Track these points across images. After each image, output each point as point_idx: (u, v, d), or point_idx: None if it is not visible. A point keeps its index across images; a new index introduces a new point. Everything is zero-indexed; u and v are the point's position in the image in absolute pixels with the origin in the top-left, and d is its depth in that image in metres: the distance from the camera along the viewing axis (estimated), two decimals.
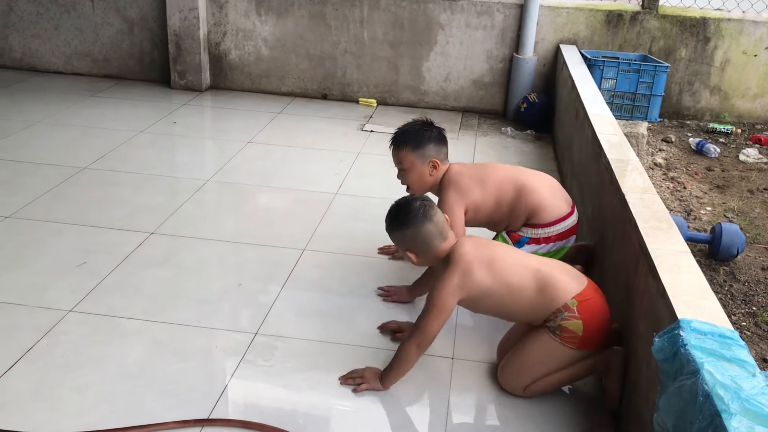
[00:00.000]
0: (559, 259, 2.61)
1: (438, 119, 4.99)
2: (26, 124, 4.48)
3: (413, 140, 2.66)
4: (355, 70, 5.25)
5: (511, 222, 2.68)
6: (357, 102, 5.31)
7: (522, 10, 4.94)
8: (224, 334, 2.48)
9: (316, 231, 3.28)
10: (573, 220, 2.68)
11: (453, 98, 5.26)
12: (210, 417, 2.07)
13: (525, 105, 4.95)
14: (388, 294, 2.75)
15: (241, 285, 2.80)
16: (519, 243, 2.64)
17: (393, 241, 2.29)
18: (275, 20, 5.19)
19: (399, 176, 2.74)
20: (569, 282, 2.14)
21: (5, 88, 5.18)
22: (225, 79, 5.41)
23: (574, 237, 2.71)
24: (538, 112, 4.90)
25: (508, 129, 4.88)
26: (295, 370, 2.31)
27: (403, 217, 2.20)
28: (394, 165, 2.73)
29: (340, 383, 2.24)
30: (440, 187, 2.70)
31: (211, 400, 2.14)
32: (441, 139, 2.71)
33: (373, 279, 2.88)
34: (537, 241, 2.64)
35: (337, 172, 3.99)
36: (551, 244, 2.65)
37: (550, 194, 2.68)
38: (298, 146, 4.38)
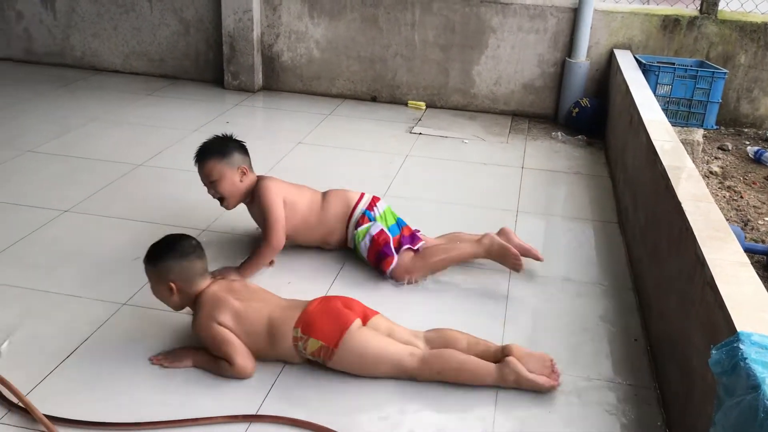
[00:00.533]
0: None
1: (487, 123, 5.02)
2: (85, 120, 4.61)
3: (218, 150, 2.78)
4: (405, 73, 5.26)
5: (334, 230, 2.96)
6: (406, 104, 5.32)
7: (575, 15, 4.88)
8: None
9: None
10: (367, 197, 2.99)
11: (503, 102, 5.22)
12: (258, 413, 2.10)
13: (577, 110, 4.89)
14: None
15: (290, 283, 2.82)
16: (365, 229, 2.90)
17: (155, 272, 2.25)
18: (327, 23, 5.23)
19: (210, 191, 2.84)
20: (288, 317, 2.26)
21: (66, 86, 5.34)
22: (277, 81, 5.48)
23: (379, 202, 3.01)
24: (590, 117, 4.83)
25: (559, 134, 4.83)
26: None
27: (186, 246, 2.26)
28: (205, 184, 2.83)
29: (151, 363, 2.28)
30: (256, 190, 2.85)
31: (260, 396, 2.17)
32: (244, 149, 2.87)
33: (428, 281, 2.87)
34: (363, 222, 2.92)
35: (385, 174, 4.00)
36: (373, 213, 2.93)
37: (342, 194, 3.01)
38: (347, 147, 4.41)
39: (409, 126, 4.86)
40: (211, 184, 2.81)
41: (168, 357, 2.30)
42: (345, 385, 2.24)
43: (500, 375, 2.19)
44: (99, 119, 4.65)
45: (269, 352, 2.28)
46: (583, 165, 4.34)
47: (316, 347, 2.21)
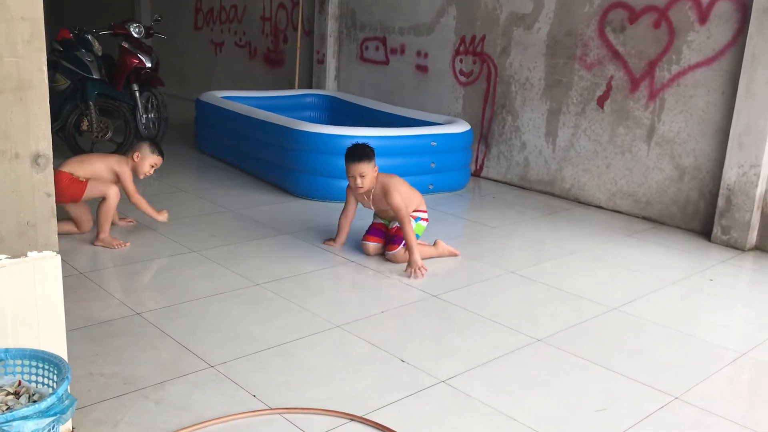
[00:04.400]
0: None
1: None
2: (563, 251, 4.75)
3: (369, 155, 4.26)
4: None
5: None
6: None
7: None
8: None
9: None
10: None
11: None
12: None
13: None
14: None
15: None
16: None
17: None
18: None
19: (359, 183, 4.21)
20: None
21: (550, 215, 5.63)
22: None
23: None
24: None
25: None
26: None
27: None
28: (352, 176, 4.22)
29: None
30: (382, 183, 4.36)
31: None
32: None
33: None
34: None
35: None
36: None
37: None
38: None
39: None
40: (360, 177, 4.20)
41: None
42: None
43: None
44: (577, 252, 4.75)
45: None
46: None
47: None
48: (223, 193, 5.75)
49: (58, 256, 2.29)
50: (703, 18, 5.10)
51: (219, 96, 7.10)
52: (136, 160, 4.46)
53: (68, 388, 2.09)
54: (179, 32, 10.44)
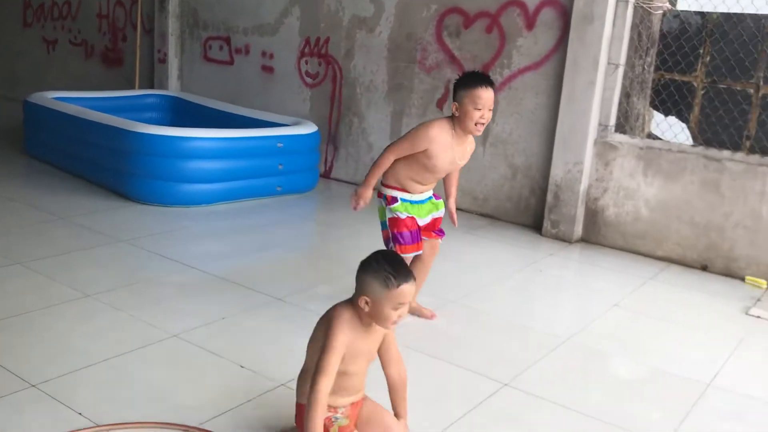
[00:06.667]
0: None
1: None
2: None
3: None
4: (746, 246, 4.72)
5: None
6: (742, 280, 4.74)
7: None
8: None
9: (681, 426, 2.89)
10: None
11: None
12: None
13: None
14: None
15: None
16: None
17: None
18: (662, 183, 4.97)
19: (486, 118, 3.35)
20: None
21: None
22: (597, 234, 5.31)
23: None
24: None
25: None
26: None
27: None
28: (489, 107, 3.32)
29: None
30: None
31: None
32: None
33: None
34: None
35: (712, 359, 3.53)
36: None
37: None
38: (668, 320, 4.01)
39: (746, 306, 4.29)
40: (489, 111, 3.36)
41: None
42: None
43: None
44: None
45: None
46: None
47: None
48: (56, 200, 5.39)
49: None
50: (530, 24, 5.42)
51: (50, 97, 6.65)
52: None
53: None
54: (6, 29, 9.69)
